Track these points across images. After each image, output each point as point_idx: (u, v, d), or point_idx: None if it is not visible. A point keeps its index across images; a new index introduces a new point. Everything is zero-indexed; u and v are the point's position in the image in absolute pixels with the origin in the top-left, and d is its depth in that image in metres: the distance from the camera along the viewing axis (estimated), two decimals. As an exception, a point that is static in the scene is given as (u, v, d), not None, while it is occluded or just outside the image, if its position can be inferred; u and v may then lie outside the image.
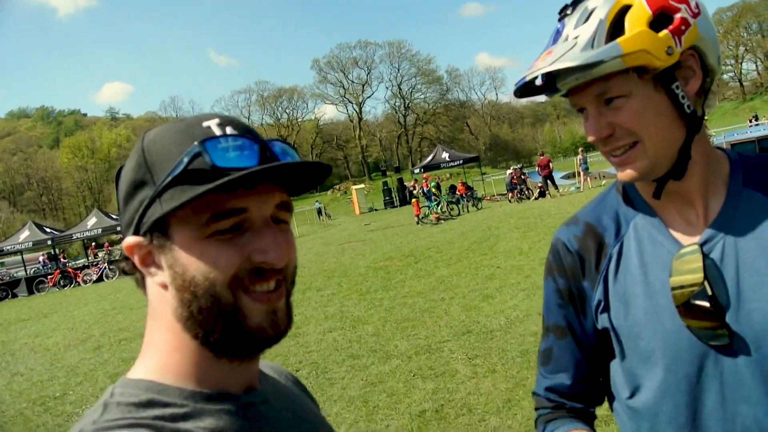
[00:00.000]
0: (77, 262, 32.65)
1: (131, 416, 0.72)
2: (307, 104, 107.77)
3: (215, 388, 0.79)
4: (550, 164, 24.46)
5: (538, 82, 1.10)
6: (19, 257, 35.53)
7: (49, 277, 27.19)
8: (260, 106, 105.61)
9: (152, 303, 0.81)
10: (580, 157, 25.34)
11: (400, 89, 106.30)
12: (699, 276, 1.05)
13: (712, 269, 1.07)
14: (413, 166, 52.85)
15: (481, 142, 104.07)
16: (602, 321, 1.21)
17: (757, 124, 32.51)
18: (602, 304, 1.20)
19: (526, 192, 25.38)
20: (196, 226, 0.74)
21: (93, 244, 33.99)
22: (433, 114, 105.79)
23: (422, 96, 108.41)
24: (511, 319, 6.84)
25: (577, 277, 1.25)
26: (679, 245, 1.12)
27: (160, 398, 0.75)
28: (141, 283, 0.83)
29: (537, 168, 25.38)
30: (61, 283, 26.11)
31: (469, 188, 27.83)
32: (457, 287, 9.14)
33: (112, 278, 25.12)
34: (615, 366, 1.24)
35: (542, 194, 24.19)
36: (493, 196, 31.47)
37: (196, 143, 0.74)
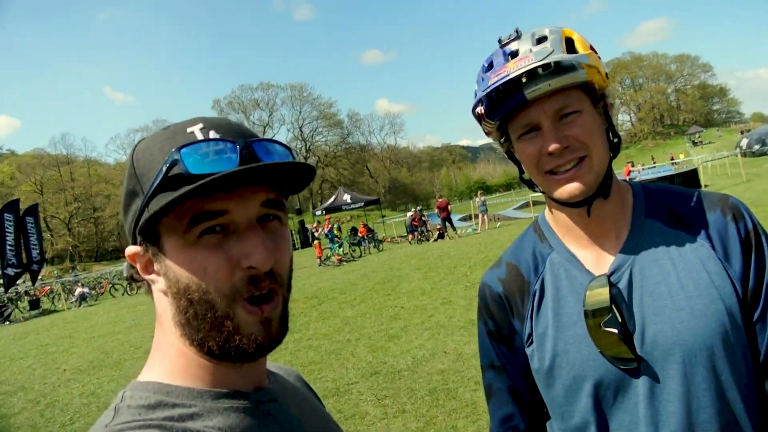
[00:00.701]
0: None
1: (141, 418, 0.73)
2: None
3: (223, 387, 0.81)
4: (449, 207, 25.20)
5: (517, 77, 1.13)
6: None
7: None
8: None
9: (158, 309, 0.83)
10: (478, 199, 26.28)
11: (302, 132, 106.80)
12: (607, 305, 1.15)
13: (618, 297, 1.17)
14: (314, 208, 52.83)
15: (380, 185, 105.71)
16: (529, 353, 1.29)
17: (644, 168, 35.28)
18: (531, 337, 1.28)
19: (426, 234, 25.92)
20: (180, 233, 0.75)
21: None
22: (334, 157, 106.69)
23: (323, 139, 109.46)
24: (417, 358, 6.91)
25: (505, 318, 1.33)
26: (591, 276, 1.22)
27: (168, 399, 0.76)
28: (148, 290, 0.85)
29: (436, 210, 26.09)
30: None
31: (370, 230, 28.05)
32: (362, 328, 9.14)
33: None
34: (543, 395, 1.31)
35: (441, 236, 24.80)
36: (394, 237, 31.87)
37: (173, 150, 0.75)
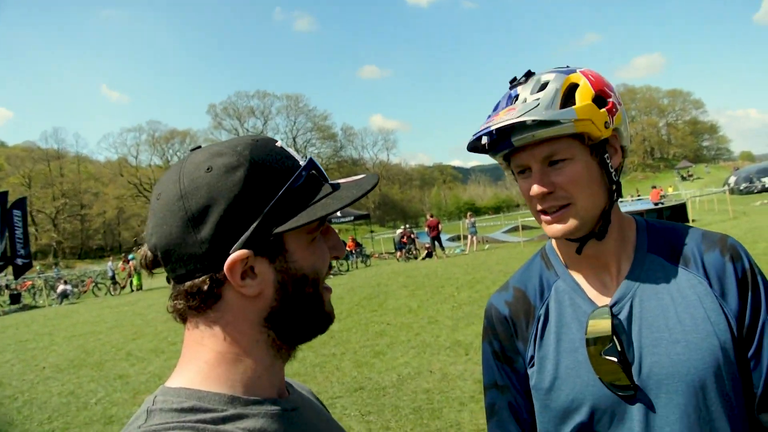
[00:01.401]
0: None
1: (175, 420, 0.75)
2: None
3: (252, 394, 0.84)
4: (439, 226, 25.27)
5: (493, 133, 1.23)
6: None
7: None
8: (150, 146, 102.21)
9: (218, 322, 0.85)
10: (468, 220, 26.38)
11: (295, 142, 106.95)
12: (608, 334, 1.21)
13: (619, 328, 1.23)
14: (303, 219, 52.47)
15: (370, 201, 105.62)
16: (530, 373, 1.34)
17: (639, 198, 35.69)
18: (533, 359, 1.34)
19: (414, 252, 25.96)
20: (308, 231, 0.87)
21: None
22: (326, 169, 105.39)
23: (316, 151, 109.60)
24: (402, 376, 6.91)
25: (510, 340, 1.38)
26: (594, 305, 1.28)
27: (201, 404, 0.79)
28: (203, 307, 0.84)
29: (426, 229, 26.13)
30: None
31: (358, 245, 28.10)
32: (348, 342, 9.12)
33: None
34: (539, 416, 1.35)
35: (429, 255, 24.85)
36: (381, 254, 31.90)
37: (308, 160, 0.88)
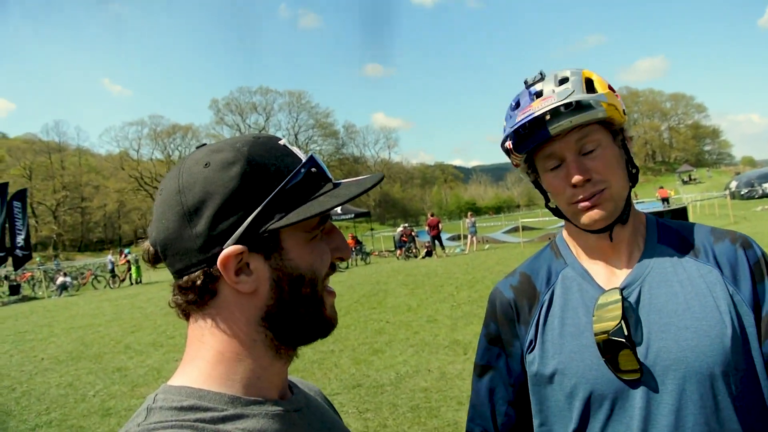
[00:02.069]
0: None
1: (174, 419, 0.76)
2: (201, 143, 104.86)
3: (252, 394, 0.84)
4: (440, 225, 25.27)
5: (546, 115, 1.23)
6: None
7: None
8: (152, 141, 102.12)
9: (216, 318, 0.85)
10: (468, 220, 26.37)
11: (297, 139, 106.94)
12: (618, 315, 1.22)
13: (629, 311, 1.25)
14: (304, 215, 52.50)
15: (371, 198, 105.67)
16: (529, 359, 1.36)
17: (640, 202, 35.74)
18: (533, 344, 1.35)
19: (414, 250, 25.96)
20: (306, 229, 0.85)
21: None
22: (327, 166, 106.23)
23: (318, 148, 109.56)
24: (401, 374, 6.91)
25: (509, 323, 1.41)
26: (602, 291, 1.29)
27: (201, 403, 0.79)
28: (200, 303, 0.84)
29: (426, 228, 26.13)
30: None
31: (358, 242, 28.09)
32: (346, 339, 9.13)
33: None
34: (538, 403, 1.36)
35: (429, 254, 24.86)
36: (381, 251, 31.90)
37: (309, 156, 0.87)
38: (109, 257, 30.34)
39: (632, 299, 1.25)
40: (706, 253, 1.27)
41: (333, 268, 0.90)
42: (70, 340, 11.91)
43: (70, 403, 7.11)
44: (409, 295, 13.48)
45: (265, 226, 0.80)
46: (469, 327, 9.02)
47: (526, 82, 1.32)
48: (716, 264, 1.25)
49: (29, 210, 37.69)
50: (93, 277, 28.88)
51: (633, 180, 1.32)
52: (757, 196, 46.86)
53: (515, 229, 33.77)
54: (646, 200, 43.70)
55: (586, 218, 1.26)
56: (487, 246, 27.66)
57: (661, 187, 40.43)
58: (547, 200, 1.40)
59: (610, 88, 1.27)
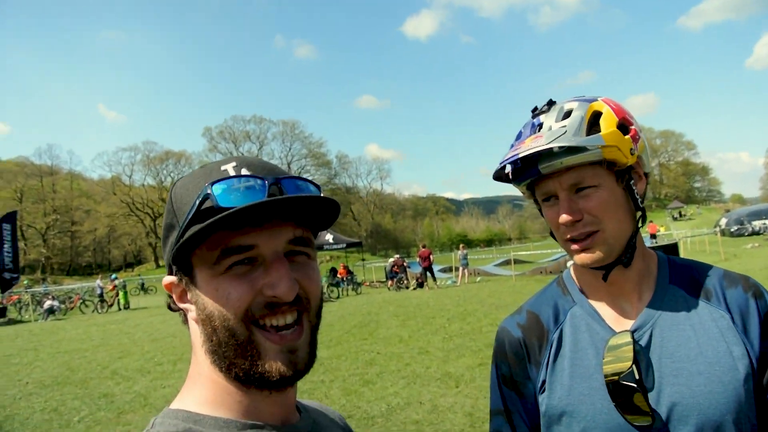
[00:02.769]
0: None
1: None
2: (193, 170, 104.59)
3: (249, 419, 0.82)
4: (431, 257, 25.23)
5: (518, 161, 1.23)
6: None
7: None
8: (144, 167, 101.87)
9: (192, 339, 0.85)
10: (460, 252, 26.35)
11: (290, 168, 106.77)
12: (629, 360, 1.18)
13: (640, 354, 1.21)
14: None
15: (363, 229, 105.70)
16: (540, 399, 1.32)
17: (654, 236, 35.80)
18: (544, 385, 1.31)
19: (406, 281, 25.87)
20: (210, 264, 0.78)
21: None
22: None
23: (311, 177, 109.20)
24: (392, 406, 6.83)
25: (521, 364, 1.36)
26: (612, 332, 1.26)
27: (196, 428, 0.78)
28: (184, 320, 0.87)
29: (418, 259, 26.09)
30: None
31: (349, 272, 27.95)
32: (337, 370, 9.03)
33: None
34: None
35: (420, 285, 24.78)
36: (373, 282, 31.75)
37: (207, 185, 0.78)
38: (97, 282, 30.04)
39: (643, 342, 1.22)
40: (717, 297, 1.24)
41: (271, 308, 0.79)
42: (55, 365, 11.71)
43: (54, 429, 6.96)
44: (400, 326, 13.38)
45: (172, 256, 0.82)
46: (461, 359, 8.95)
47: (533, 111, 1.30)
48: (727, 310, 1.21)
49: (18, 232, 37.40)
50: (81, 301, 28.52)
51: (638, 222, 1.28)
52: (746, 234, 47.14)
53: (507, 262, 33.79)
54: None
55: (578, 259, 1.24)
56: (478, 278, 27.62)
57: (650, 222, 40.64)
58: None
59: (625, 121, 1.23)
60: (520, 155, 1.18)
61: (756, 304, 1.21)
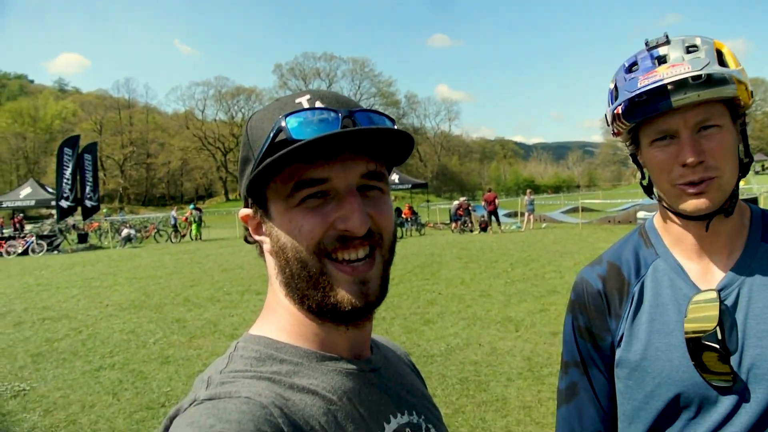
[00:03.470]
0: (1, 231, 30.97)
1: (252, 369, 0.78)
2: (263, 106, 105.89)
3: (327, 350, 0.84)
4: (496, 200, 24.98)
5: (669, 85, 1.11)
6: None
7: (-32, 243, 25.58)
8: (216, 102, 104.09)
9: (268, 269, 0.87)
10: (527, 197, 25.97)
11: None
12: (714, 319, 1.13)
13: (725, 314, 1.15)
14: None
15: (429, 170, 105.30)
16: (618, 354, 1.28)
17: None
18: (621, 339, 1.28)
19: (470, 224, 25.78)
20: (283, 197, 0.79)
21: (20, 215, 32.33)
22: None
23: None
24: (451, 346, 6.92)
25: (602, 316, 1.31)
26: (696, 289, 1.20)
27: (277, 354, 0.80)
28: (260, 252, 0.89)
29: (483, 202, 25.89)
30: (-19, 251, 24.64)
31: (414, 213, 28.06)
32: (398, 308, 9.19)
33: (38, 253, 24.00)
34: (620, 396, 1.31)
35: (484, 229, 24.65)
36: (436, 223, 31.82)
37: (281, 117, 0.78)
38: (172, 213, 31.34)
39: (729, 302, 1.16)
40: None
41: (343, 241, 0.78)
42: (132, 290, 12.40)
43: (131, 349, 7.42)
44: (462, 268, 13.42)
45: (247, 188, 0.82)
46: (523, 304, 8.94)
47: (647, 44, 1.20)
48: None
49: (98, 163, 39.10)
50: (156, 230, 29.84)
51: (743, 170, 1.19)
52: (836, 190, 44.42)
53: (574, 210, 33.11)
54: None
55: (690, 205, 1.14)
56: (544, 225, 27.23)
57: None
58: (643, 176, 1.29)
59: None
60: (665, 81, 1.09)
61: None
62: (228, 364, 0.79)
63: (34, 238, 25.05)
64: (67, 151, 27.14)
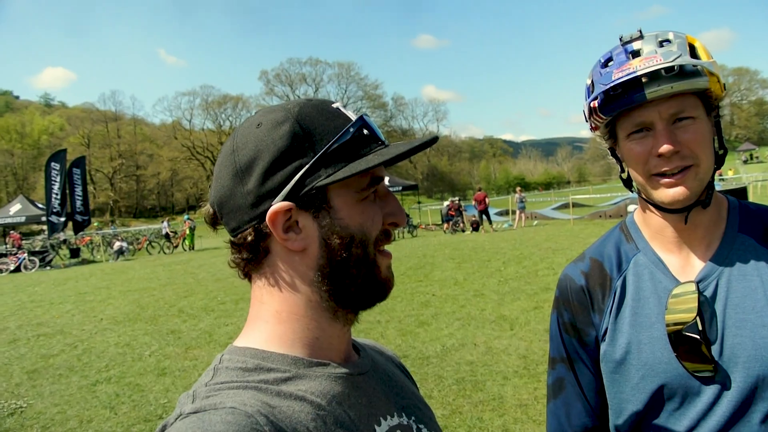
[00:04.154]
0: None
1: (239, 379, 0.79)
2: (251, 114, 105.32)
3: (316, 356, 0.86)
4: (487, 200, 25.04)
5: (643, 77, 1.13)
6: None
7: (-41, 262, 25.35)
8: (203, 111, 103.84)
9: (271, 278, 0.87)
10: (517, 195, 26.05)
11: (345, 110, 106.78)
12: (693, 311, 1.16)
13: (704, 305, 1.18)
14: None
15: (419, 171, 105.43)
16: (602, 348, 1.31)
17: (722, 178, 34.27)
18: (605, 333, 1.30)
19: (461, 224, 25.83)
20: (356, 189, 0.84)
21: (17, 233, 32.11)
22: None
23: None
24: (446, 347, 6.95)
25: (585, 312, 1.35)
26: (676, 282, 1.23)
27: (265, 364, 0.81)
28: (255, 262, 0.87)
29: (474, 202, 25.94)
30: (-28, 270, 24.43)
31: (405, 215, 28.03)
32: (393, 311, 9.21)
33: (31, 269, 23.86)
34: (607, 389, 1.34)
35: (476, 228, 24.71)
36: (428, 225, 31.85)
37: (361, 115, 0.87)
38: (164, 223, 31.26)
39: (708, 293, 1.19)
40: None
41: (387, 235, 0.89)
42: (126, 302, 12.36)
43: (127, 362, 7.41)
44: (455, 268, 13.46)
45: (313, 184, 0.81)
46: (516, 303, 8.98)
47: (621, 39, 1.22)
48: None
49: (88, 177, 38.98)
50: (148, 242, 29.74)
51: (719, 162, 1.22)
52: (822, 177, 44.76)
53: (565, 206, 33.24)
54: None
55: (667, 195, 1.17)
56: (535, 222, 27.32)
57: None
58: (622, 170, 1.31)
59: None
60: (638, 73, 1.12)
61: None
62: (213, 376, 0.80)
63: (26, 254, 24.90)
64: (55, 165, 27.04)
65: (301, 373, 0.82)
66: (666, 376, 1.20)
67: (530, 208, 30.77)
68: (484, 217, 24.75)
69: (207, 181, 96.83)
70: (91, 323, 10.31)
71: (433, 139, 0.85)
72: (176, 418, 0.72)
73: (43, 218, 27.08)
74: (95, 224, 38.97)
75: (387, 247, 0.91)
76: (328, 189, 0.83)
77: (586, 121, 1.31)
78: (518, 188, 28.14)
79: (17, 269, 24.04)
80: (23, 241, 30.12)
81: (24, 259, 24.42)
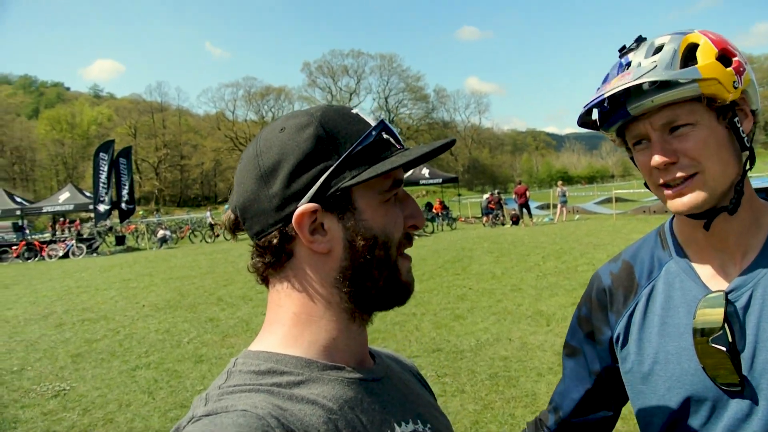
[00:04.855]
0: (43, 235, 31.76)
1: (251, 382, 0.79)
2: (293, 106, 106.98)
3: (331, 360, 0.86)
4: (527, 193, 24.76)
5: (606, 101, 1.14)
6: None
7: (13, 247, 26.25)
8: (246, 102, 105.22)
9: (293, 280, 0.87)
10: (559, 189, 25.69)
11: (387, 102, 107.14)
12: (719, 321, 1.10)
13: (734, 317, 1.12)
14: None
15: (459, 164, 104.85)
16: (623, 354, 1.27)
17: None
18: (621, 338, 1.27)
19: (501, 218, 25.62)
20: (379, 191, 0.85)
21: (62, 219, 33.18)
22: (416, 130, 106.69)
23: (408, 111, 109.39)
24: (481, 341, 6.91)
25: (602, 309, 1.33)
26: (706, 290, 1.16)
27: (278, 367, 0.81)
28: (272, 266, 0.87)
29: (514, 195, 25.67)
30: (25, 255, 25.20)
31: (445, 207, 27.99)
32: (428, 304, 9.19)
33: (78, 256, 24.63)
34: (632, 401, 1.30)
35: (516, 222, 24.47)
36: (468, 218, 31.67)
37: (382, 120, 0.88)
38: (207, 213, 31.87)
39: (740, 304, 1.12)
40: None
41: (409, 238, 0.90)
42: (168, 290, 12.66)
43: (166, 348, 7.59)
44: (493, 262, 13.36)
45: (338, 185, 0.81)
46: (554, 298, 8.87)
47: (620, 50, 1.18)
48: None
49: (134, 166, 39.97)
50: (190, 231, 30.34)
51: (745, 165, 1.14)
52: None
53: (608, 201, 32.64)
54: (755, 175, 40.88)
55: (672, 205, 1.12)
56: (577, 216, 26.89)
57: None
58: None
59: (726, 52, 1.09)
60: (605, 95, 1.09)
61: None
62: (227, 380, 0.80)
63: (74, 241, 25.69)
64: (103, 155, 27.78)
65: (314, 377, 0.82)
66: (693, 388, 1.15)
67: (572, 203, 30.33)
68: (524, 210, 24.49)
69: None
70: (133, 309, 10.59)
71: (451, 142, 0.87)
72: (189, 421, 0.72)
73: (91, 206, 27.84)
74: (140, 213, 39.92)
75: (408, 251, 0.91)
76: (352, 191, 0.83)
77: None
78: (560, 182, 27.71)
79: (66, 255, 24.83)
80: (71, 230, 31.07)
81: (72, 245, 25.20)
